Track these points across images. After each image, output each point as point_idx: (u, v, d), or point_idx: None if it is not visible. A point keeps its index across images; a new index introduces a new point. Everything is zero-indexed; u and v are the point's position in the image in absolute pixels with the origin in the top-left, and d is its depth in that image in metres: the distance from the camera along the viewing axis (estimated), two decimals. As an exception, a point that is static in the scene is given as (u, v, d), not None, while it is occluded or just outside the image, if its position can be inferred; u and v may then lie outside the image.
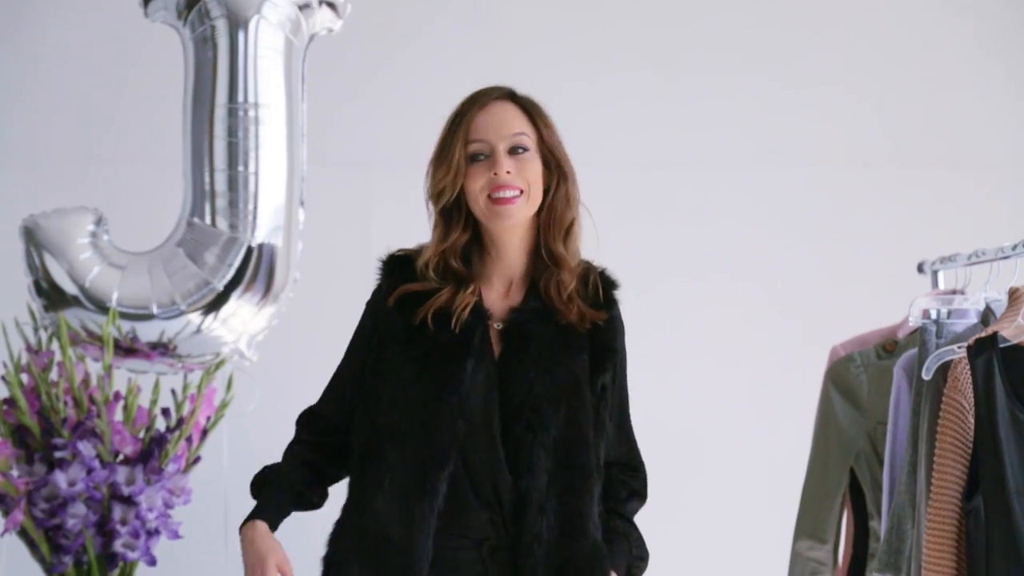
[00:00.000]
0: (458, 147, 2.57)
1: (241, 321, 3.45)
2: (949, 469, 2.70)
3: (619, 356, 2.66)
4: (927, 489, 2.77)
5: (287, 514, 2.63)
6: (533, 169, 2.58)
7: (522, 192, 2.57)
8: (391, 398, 2.57)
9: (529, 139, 2.58)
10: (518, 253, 2.63)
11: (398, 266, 2.65)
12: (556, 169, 2.61)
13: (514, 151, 2.57)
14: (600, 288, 2.65)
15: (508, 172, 2.55)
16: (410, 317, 2.58)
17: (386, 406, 2.57)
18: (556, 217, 2.60)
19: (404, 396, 2.55)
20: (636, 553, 2.61)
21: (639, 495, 2.68)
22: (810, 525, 3.37)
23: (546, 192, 2.61)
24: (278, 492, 2.61)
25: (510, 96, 2.62)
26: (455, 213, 2.60)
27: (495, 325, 2.60)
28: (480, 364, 2.55)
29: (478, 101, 2.60)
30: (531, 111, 2.61)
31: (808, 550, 3.37)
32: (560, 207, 2.61)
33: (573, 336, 2.59)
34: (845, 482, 3.34)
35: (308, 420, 2.72)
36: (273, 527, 2.59)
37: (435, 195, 2.60)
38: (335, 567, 2.56)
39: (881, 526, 3.14)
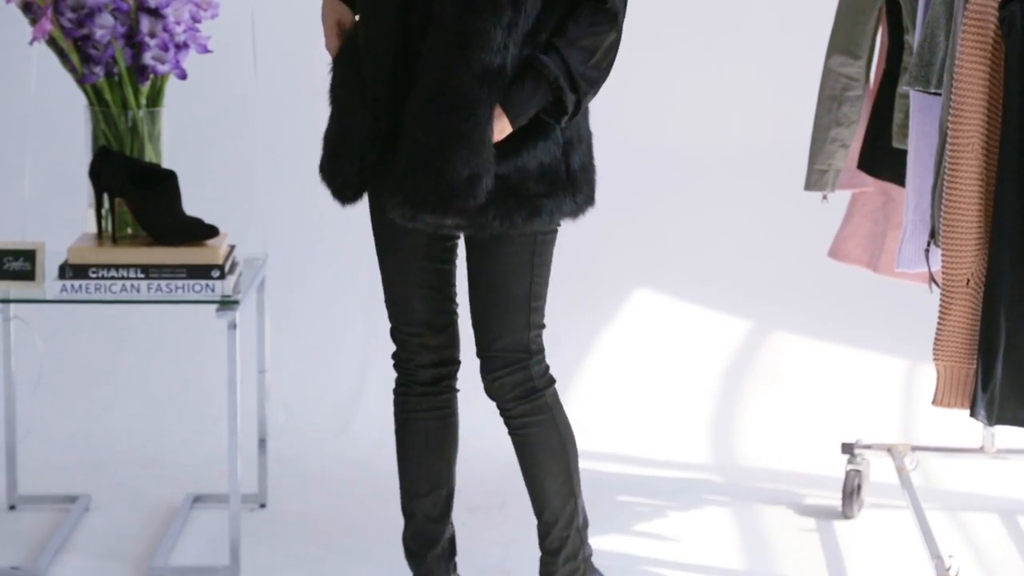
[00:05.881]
0: None
1: None
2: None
3: None
4: (964, 1, 2.72)
5: None
6: None
7: None
8: None
9: None
10: None
11: None
12: None
13: None
14: None
15: None
16: None
17: None
18: None
19: None
20: (579, 70, 2.55)
21: (602, 23, 2.57)
22: (844, 41, 3.33)
23: None
24: None
25: None
26: None
27: None
28: None
29: None
30: None
31: (840, 66, 3.34)
32: None
33: None
34: (882, -4, 3.28)
35: None
36: None
37: None
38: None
39: (915, 39, 3.09)
